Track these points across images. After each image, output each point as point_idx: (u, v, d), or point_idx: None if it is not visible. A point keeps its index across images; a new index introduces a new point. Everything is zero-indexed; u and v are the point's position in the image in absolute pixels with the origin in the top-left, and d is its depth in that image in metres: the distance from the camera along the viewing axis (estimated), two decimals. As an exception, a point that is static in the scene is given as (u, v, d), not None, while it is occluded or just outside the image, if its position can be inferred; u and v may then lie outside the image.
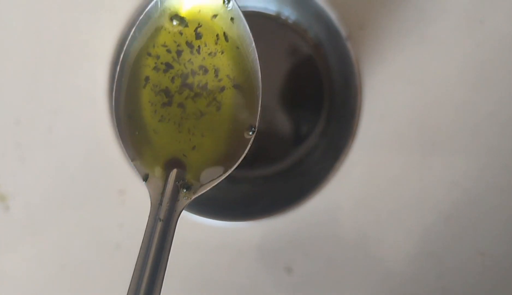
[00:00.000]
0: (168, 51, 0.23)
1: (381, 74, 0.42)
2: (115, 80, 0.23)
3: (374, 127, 0.42)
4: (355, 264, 0.43)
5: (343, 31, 0.32)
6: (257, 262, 0.44)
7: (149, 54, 0.23)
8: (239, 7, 0.23)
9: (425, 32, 0.41)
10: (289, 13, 0.38)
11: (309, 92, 0.39)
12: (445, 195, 0.42)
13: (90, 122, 0.45)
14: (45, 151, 0.45)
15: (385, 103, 0.42)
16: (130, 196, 0.45)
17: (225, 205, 0.33)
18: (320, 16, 0.33)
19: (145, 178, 0.23)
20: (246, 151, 0.23)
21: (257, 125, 0.23)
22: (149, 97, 0.23)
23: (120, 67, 0.23)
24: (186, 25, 0.23)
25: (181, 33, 0.23)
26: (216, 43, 0.23)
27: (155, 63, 0.23)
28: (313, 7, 0.33)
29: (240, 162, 0.23)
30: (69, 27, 0.45)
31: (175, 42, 0.23)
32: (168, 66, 0.23)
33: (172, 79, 0.23)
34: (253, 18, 0.39)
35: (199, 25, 0.23)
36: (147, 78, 0.23)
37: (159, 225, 0.21)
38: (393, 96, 0.42)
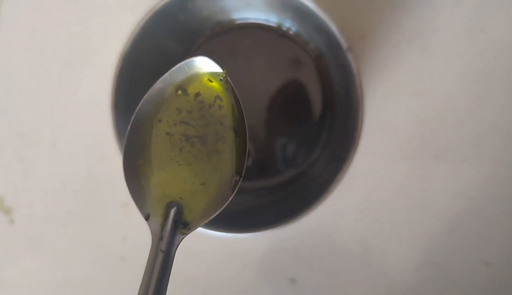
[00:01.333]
0: (178, 110, 0.28)
1: (382, 85, 0.42)
2: (126, 137, 0.28)
3: (376, 138, 0.42)
4: (359, 276, 0.43)
5: (343, 43, 0.33)
6: (261, 273, 0.44)
7: (159, 118, 0.28)
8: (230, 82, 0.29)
9: (427, 42, 0.42)
10: (290, 25, 0.39)
11: (310, 104, 0.40)
12: (448, 206, 0.42)
13: (94, 136, 0.45)
14: (49, 164, 0.46)
15: (387, 114, 0.42)
16: (133, 209, 0.45)
17: (228, 217, 0.34)
18: (320, 28, 0.34)
19: (147, 218, 0.27)
20: (234, 194, 0.28)
21: (243, 172, 0.28)
22: (156, 150, 0.28)
23: (131, 126, 0.28)
24: (188, 94, 0.28)
25: (186, 97, 0.28)
26: (214, 103, 0.28)
27: (167, 121, 0.28)
28: (313, 19, 0.34)
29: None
30: (73, 42, 0.46)
31: (179, 106, 0.28)
32: (175, 124, 0.28)
33: (178, 134, 0.28)
34: (255, 30, 0.40)
35: (198, 93, 0.28)
36: (156, 134, 0.28)
37: (161, 256, 0.25)
38: (395, 107, 0.43)
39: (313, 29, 0.36)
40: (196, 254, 0.44)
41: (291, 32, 0.40)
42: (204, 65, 0.29)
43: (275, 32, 0.40)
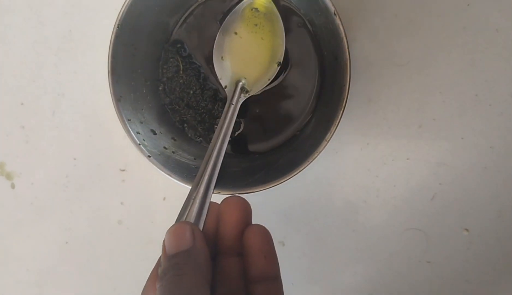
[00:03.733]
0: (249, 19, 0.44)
1: (370, 57, 0.46)
2: (215, 41, 0.42)
3: (363, 108, 0.46)
4: (344, 240, 0.47)
5: (331, 7, 0.36)
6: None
7: (235, 29, 0.44)
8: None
9: (413, 16, 0.45)
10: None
11: (301, 69, 0.43)
12: (431, 174, 0.46)
13: (92, 105, 0.49)
14: (49, 132, 0.50)
15: (373, 85, 0.46)
16: (130, 175, 0.49)
17: (225, 176, 0.38)
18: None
19: (225, 87, 0.42)
20: (274, 75, 0.43)
21: (281, 61, 0.43)
22: (232, 48, 0.43)
23: (218, 34, 0.43)
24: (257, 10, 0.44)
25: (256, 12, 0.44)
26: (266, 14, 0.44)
27: (239, 30, 0.44)
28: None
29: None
30: (71, 13, 0.49)
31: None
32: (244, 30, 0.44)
33: (249, 37, 0.44)
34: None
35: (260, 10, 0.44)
36: (233, 36, 0.44)
37: (232, 107, 0.40)
38: (381, 78, 0.46)
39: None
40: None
41: (283, 0, 0.43)
42: None
43: (267, -1, 0.43)
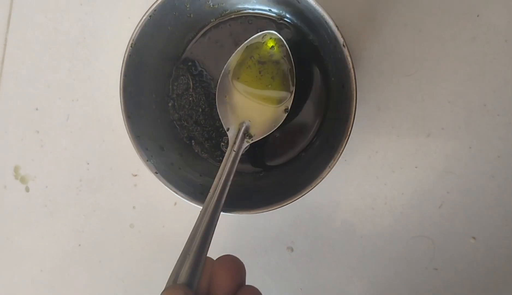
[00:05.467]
0: (252, 57, 0.44)
1: (379, 66, 0.48)
2: (220, 78, 0.43)
3: (372, 116, 0.48)
4: (352, 246, 0.49)
5: (340, 38, 0.37)
6: (260, 241, 0.50)
7: (237, 76, 0.44)
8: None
9: (421, 25, 0.46)
10: (290, 16, 0.44)
11: (307, 93, 0.45)
12: (439, 182, 0.48)
13: (105, 111, 0.52)
14: (63, 137, 0.52)
15: (382, 94, 0.48)
16: (142, 180, 0.51)
17: (228, 195, 0.39)
18: (319, 22, 0.39)
19: (227, 129, 0.42)
20: (281, 121, 0.43)
21: (289, 108, 0.43)
22: (235, 91, 0.44)
23: (223, 71, 0.43)
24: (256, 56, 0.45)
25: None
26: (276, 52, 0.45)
27: (248, 63, 0.44)
28: (312, 14, 0.39)
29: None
30: (86, 20, 0.52)
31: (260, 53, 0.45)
32: (259, 63, 0.44)
33: (254, 74, 0.44)
34: (258, 19, 0.45)
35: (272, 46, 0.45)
36: (239, 74, 0.44)
37: (233, 153, 0.40)
38: (390, 87, 0.48)
39: (312, 23, 0.41)
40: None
41: (291, 23, 0.45)
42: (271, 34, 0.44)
43: (276, 22, 0.45)
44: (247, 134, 0.42)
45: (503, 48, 0.46)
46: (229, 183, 0.38)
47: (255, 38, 0.43)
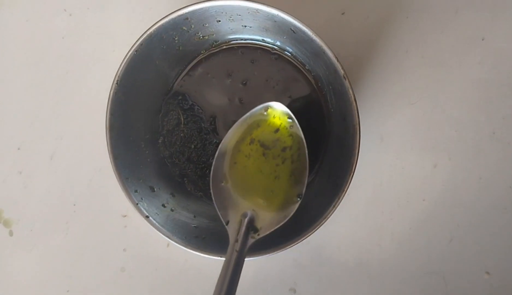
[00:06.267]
0: (251, 143, 0.39)
1: (382, 94, 0.46)
2: (214, 159, 0.38)
3: (375, 148, 0.46)
4: (358, 286, 0.47)
5: (340, 70, 0.35)
6: (261, 283, 0.48)
7: (239, 149, 0.38)
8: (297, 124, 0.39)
9: (424, 51, 0.45)
10: (286, 47, 0.43)
11: (306, 127, 0.43)
12: (448, 215, 0.46)
13: (92, 149, 0.49)
14: (47, 177, 0.50)
15: (386, 124, 0.46)
16: (132, 221, 0.49)
17: (224, 238, 0.37)
18: (317, 53, 0.37)
19: (227, 223, 0.36)
20: (294, 210, 0.37)
21: (303, 193, 0.37)
22: (236, 174, 0.38)
23: (218, 152, 0.38)
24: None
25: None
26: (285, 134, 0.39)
27: (248, 144, 0.38)
28: (310, 44, 0.37)
29: None
30: (70, 57, 0.50)
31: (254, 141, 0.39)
32: (250, 155, 0.38)
33: (256, 157, 0.38)
34: (251, 50, 0.43)
35: (277, 129, 0.39)
36: (235, 162, 0.38)
37: (235, 255, 0.33)
38: (394, 116, 0.46)
39: (309, 53, 0.40)
40: (206, 275, 0.48)
41: (287, 54, 0.43)
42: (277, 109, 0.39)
43: (271, 53, 0.43)
44: (251, 227, 0.35)
45: (510, 72, 0.44)
46: (236, 286, 0.32)
47: (255, 112, 0.38)
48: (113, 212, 0.49)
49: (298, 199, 0.37)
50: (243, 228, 0.35)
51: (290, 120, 0.38)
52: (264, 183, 0.37)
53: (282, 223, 0.36)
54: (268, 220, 0.36)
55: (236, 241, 0.34)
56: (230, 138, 0.38)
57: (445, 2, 0.46)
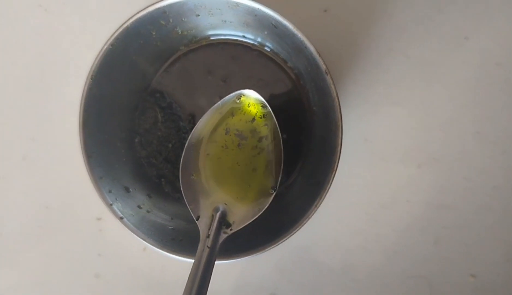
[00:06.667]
0: (226, 132, 0.37)
1: (365, 94, 0.45)
2: (184, 150, 0.37)
3: (359, 148, 0.45)
4: (342, 290, 0.46)
5: (322, 65, 0.35)
6: (241, 288, 0.47)
7: (211, 139, 0.37)
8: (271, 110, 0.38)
9: (409, 50, 0.44)
10: (267, 43, 0.42)
11: (287, 125, 0.42)
12: (433, 217, 0.45)
13: (66, 150, 0.48)
14: (18, 179, 0.48)
15: (369, 124, 0.45)
16: (108, 225, 0.48)
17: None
18: (299, 48, 0.37)
19: (197, 218, 0.35)
20: (269, 203, 0.36)
21: (277, 186, 0.36)
22: (207, 166, 0.36)
23: (188, 143, 0.37)
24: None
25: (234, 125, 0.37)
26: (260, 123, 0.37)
27: (215, 142, 0.37)
28: (291, 39, 0.36)
29: None
30: (45, 53, 0.49)
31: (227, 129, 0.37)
32: (224, 146, 0.37)
33: (231, 148, 0.37)
34: (232, 47, 0.42)
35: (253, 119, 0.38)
36: (206, 153, 0.37)
37: (207, 251, 0.32)
38: (378, 116, 0.45)
39: (291, 49, 0.39)
40: (174, 275, 0.47)
41: (268, 50, 0.42)
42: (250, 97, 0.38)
43: (252, 49, 0.42)
44: (223, 222, 0.34)
45: (494, 72, 0.44)
46: (208, 285, 0.31)
47: (228, 100, 0.37)
48: (88, 215, 0.48)
49: (273, 191, 0.36)
50: (215, 223, 0.34)
51: (264, 109, 0.37)
52: (239, 176, 0.36)
53: (256, 216, 0.35)
54: (242, 214, 0.35)
55: (208, 236, 0.33)
56: (201, 128, 0.37)
57: (428, 0, 0.45)
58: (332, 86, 0.34)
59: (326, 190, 0.35)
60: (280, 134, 0.37)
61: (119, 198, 0.39)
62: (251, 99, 0.37)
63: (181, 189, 0.36)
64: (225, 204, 0.35)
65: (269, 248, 0.35)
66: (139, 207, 0.40)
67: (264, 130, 0.37)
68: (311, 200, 0.36)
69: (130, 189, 0.40)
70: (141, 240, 0.38)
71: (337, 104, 0.35)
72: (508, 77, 0.44)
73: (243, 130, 0.37)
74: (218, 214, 0.34)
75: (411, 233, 0.45)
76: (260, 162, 0.37)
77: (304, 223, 0.36)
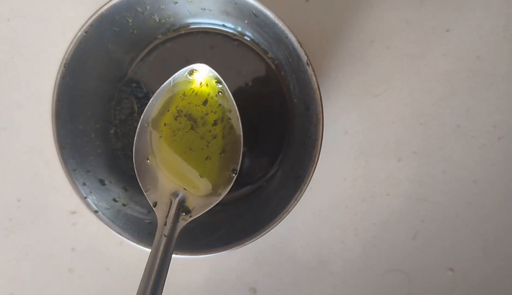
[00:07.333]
0: (178, 114, 0.35)
1: (345, 86, 0.45)
2: (136, 133, 0.34)
3: (339, 141, 0.45)
4: (320, 284, 0.46)
5: (303, 56, 0.34)
6: (221, 283, 0.47)
7: (164, 122, 0.35)
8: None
9: (389, 42, 0.44)
10: (248, 32, 0.41)
11: (268, 117, 0.42)
12: (412, 211, 0.46)
13: (37, 140, 0.47)
14: (-12, 171, 0.47)
15: (350, 117, 0.45)
16: (81, 218, 0.47)
17: (182, 234, 0.35)
18: (279, 38, 0.36)
19: (154, 205, 0.33)
20: (230, 187, 0.34)
21: (238, 168, 0.34)
22: (162, 149, 0.34)
23: (140, 125, 0.34)
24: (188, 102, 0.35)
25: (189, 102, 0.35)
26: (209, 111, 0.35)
27: (170, 125, 0.34)
28: (272, 29, 0.36)
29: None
30: (16, 41, 0.47)
31: (180, 111, 0.35)
32: (178, 129, 0.35)
33: (184, 131, 0.35)
34: (211, 36, 0.42)
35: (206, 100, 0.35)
36: (162, 131, 0.35)
37: (164, 240, 0.31)
38: (358, 109, 0.45)
39: (271, 39, 0.38)
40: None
41: (248, 40, 0.42)
42: (203, 73, 0.35)
43: (232, 39, 0.42)
44: (182, 208, 0.33)
45: (475, 65, 0.44)
46: (165, 275, 0.30)
47: (179, 77, 0.35)
48: (61, 209, 0.47)
49: (234, 174, 0.34)
50: (173, 210, 0.32)
51: (220, 85, 0.35)
52: (195, 159, 0.34)
53: (217, 202, 0.33)
54: (202, 199, 0.33)
55: (165, 224, 0.31)
56: (151, 109, 0.35)
57: (410, -8, 0.45)
58: (314, 78, 0.34)
59: (306, 184, 0.35)
60: (238, 113, 0.35)
61: (93, 191, 0.38)
62: (204, 75, 0.35)
63: (136, 174, 0.34)
64: (184, 189, 0.33)
65: (248, 242, 0.35)
66: (114, 200, 0.39)
67: (219, 111, 0.35)
68: (291, 193, 0.35)
69: (105, 182, 0.39)
70: (117, 234, 0.37)
71: (318, 96, 0.34)
72: (489, 70, 0.44)
73: (194, 114, 0.35)
74: (176, 200, 0.32)
75: (390, 226, 0.46)
76: (216, 145, 0.35)
77: (284, 217, 0.35)
